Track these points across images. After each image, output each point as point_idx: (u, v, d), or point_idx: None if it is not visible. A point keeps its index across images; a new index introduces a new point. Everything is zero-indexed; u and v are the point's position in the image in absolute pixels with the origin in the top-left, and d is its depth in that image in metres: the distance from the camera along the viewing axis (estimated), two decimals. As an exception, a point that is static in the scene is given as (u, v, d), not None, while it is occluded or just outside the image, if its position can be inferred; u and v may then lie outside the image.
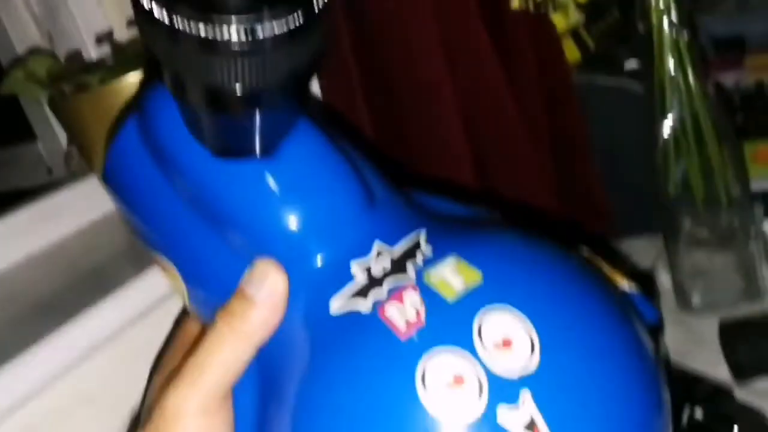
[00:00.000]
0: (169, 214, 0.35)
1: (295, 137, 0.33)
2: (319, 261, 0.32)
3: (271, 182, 0.32)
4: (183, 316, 0.39)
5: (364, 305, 0.30)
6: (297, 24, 0.24)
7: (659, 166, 0.68)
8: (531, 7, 0.67)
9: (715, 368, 0.59)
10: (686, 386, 0.51)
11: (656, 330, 0.39)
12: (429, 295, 0.30)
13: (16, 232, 0.69)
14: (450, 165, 0.68)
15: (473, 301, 0.29)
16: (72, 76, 0.66)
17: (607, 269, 0.39)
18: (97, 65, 0.72)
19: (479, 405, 0.27)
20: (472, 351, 0.28)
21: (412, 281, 0.30)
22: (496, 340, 0.28)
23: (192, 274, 0.35)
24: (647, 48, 0.66)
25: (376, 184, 0.35)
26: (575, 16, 0.68)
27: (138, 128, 0.35)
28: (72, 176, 0.82)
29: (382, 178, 0.37)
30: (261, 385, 0.32)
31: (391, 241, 0.33)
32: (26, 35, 0.87)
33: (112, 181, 0.37)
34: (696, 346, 0.63)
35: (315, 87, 0.61)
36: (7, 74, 0.71)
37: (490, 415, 0.27)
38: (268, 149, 0.32)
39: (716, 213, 0.69)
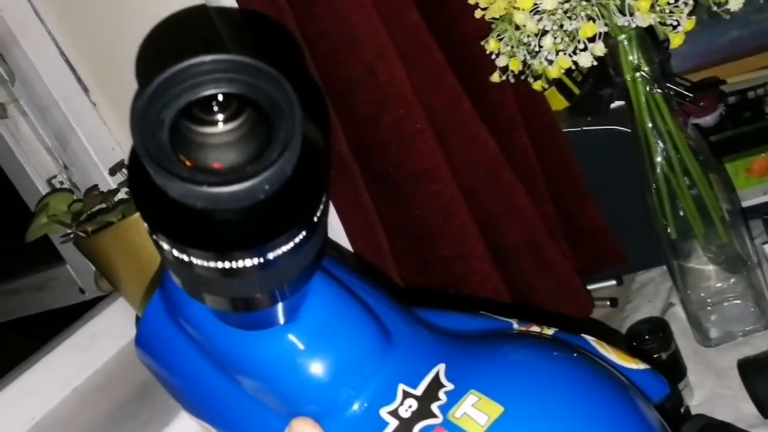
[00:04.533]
0: (203, 380, 0.38)
1: (312, 294, 0.36)
2: (350, 410, 0.35)
3: (296, 342, 0.35)
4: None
5: (400, 451, 0.33)
6: (301, 239, 0.27)
7: (656, 207, 0.71)
8: (511, 78, 0.70)
9: (742, 405, 0.61)
10: (713, 436, 0.53)
11: (669, 400, 0.42)
12: None
13: (59, 366, 0.73)
14: (457, 234, 0.70)
15: None
16: (93, 216, 0.70)
17: (614, 353, 0.42)
18: (116, 197, 0.75)
19: None
20: None
21: (439, 422, 0.33)
22: None
23: None
24: (627, 95, 0.69)
25: (392, 319, 0.38)
26: (555, 73, 0.71)
27: (163, 302, 0.39)
28: (103, 296, 0.87)
29: (397, 308, 0.40)
30: None
31: (413, 380, 0.36)
32: (44, 169, 0.91)
33: (145, 351, 0.40)
34: (721, 385, 0.65)
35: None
36: (34, 217, 0.75)
37: None
38: (290, 318, 0.35)
39: (717, 243, 0.72)
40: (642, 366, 0.43)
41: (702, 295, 0.72)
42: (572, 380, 0.36)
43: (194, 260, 0.26)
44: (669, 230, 0.70)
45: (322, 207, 0.27)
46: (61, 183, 0.90)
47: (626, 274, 0.89)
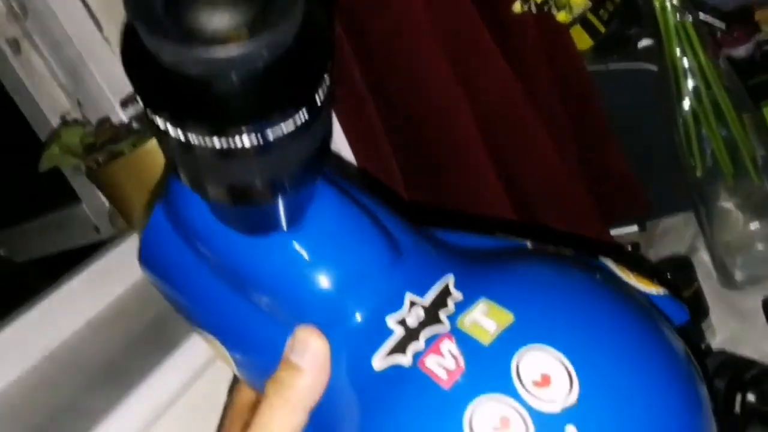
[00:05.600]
0: (207, 292, 0.37)
1: (316, 202, 0.35)
2: (356, 320, 0.34)
3: (300, 251, 0.34)
4: (235, 383, 0.41)
5: (404, 359, 0.32)
6: (303, 120, 0.25)
7: (683, 145, 0.69)
8: (533, 9, 0.67)
9: (765, 345, 0.59)
10: (736, 372, 0.51)
11: (688, 328, 0.40)
12: (465, 341, 0.31)
13: (73, 299, 0.73)
14: (475, 178, 0.69)
15: (508, 342, 0.31)
16: (104, 146, 0.69)
17: (633, 277, 0.40)
18: (128, 129, 0.75)
19: None
20: (513, 391, 0.29)
21: (447, 329, 0.32)
22: (535, 378, 0.30)
23: (236, 346, 0.37)
24: (656, 28, 0.66)
25: (400, 233, 0.37)
26: (579, 7, 0.68)
27: (166, 213, 0.38)
28: (119, 233, 0.86)
29: (405, 223, 0.38)
30: None
31: (421, 289, 0.34)
32: (57, 104, 0.91)
33: (148, 266, 0.40)
34: (744, 326, 0.63)
35: (336, 128, 0.63)
36: (45, 147, 0.74)
37: (538, 453, 0.29)
38: (293, 222, 0.34)
39: (746, 184, 0.69)
40: (661, 290, 0.41)
41: (728, 238, 0.70)
42: (589, 294, 0.34)
43: (191, 138, 0.24)
44: (696, 169, 0.68)
45: (325, 90, 0.26)
46: (75, 121, 0.89)
47: (650, 220, 0.87)
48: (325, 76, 0.26)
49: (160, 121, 0.25)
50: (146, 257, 0.40)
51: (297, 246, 0.34)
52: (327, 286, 0.34)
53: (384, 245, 0.35)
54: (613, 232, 0.85)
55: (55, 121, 0.89)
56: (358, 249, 0.35)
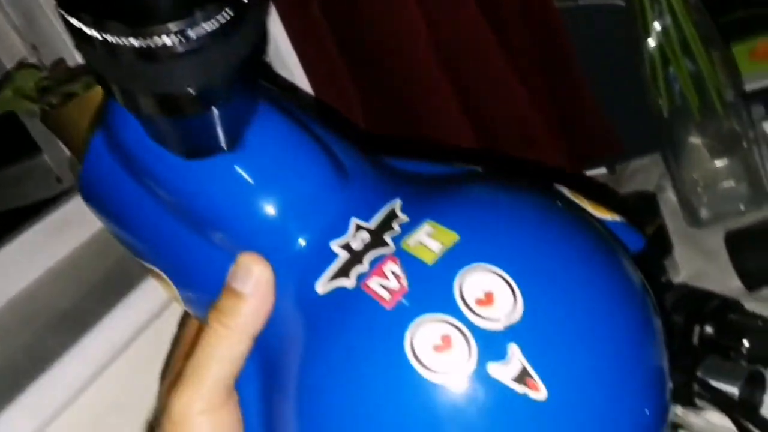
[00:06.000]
0: (149, 222, 0.36)
1: (259, 125, 0.33)
2: (300, 245, 0.33)
3: (242, 174, 0.33)
4: (186, 317, 0.40)
5: (348, 282, 0.31)
6: (228, 18, 0.24)
7: (649, 80, 0.68)
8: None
9: (729, 281, 0.59)
10: (694, 303, 0.51)
11: (645, 256, 0.40)
12: (409, 261, 0.30)
13: (32, 248, 0.71)
14: (436, 108, 0.67)
15: (452, 262, 0.30)
16: (57, 87, 0.67)
17: (588, 204, 0.40)
18: (83, 70, 0.72)
19: (470, 363, 0.28)
20: (455, 310, 0.29)
21: (391, 251, 0.31)
22: (478, 295, 0.29)
23: (181, 278, 0.36)
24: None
25: (348, 158, 0.36)
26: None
27: (105, 143, 0.36)
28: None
29: (354, 149, 0.37)
30: (263, 376, 0.33)
31: (367, 215, 0.33)
32: (12, 48, 0.88)
33: (90, 198, 0.38)
34: (708, 262, 0.63)
35: (291, 54, 0.61)
36: (-2, 92, 0.72)
37: (481, 371, 0.28)
38: (233, 143, 0.32)
39: (713, 121, 0.69)
40: (617, 217, 0.40)
41: (694, 176, 0.69)
42: (537, 214, 0.34)
43: (110, 39, 0.23)
44: (663, 107, 0.67)
45: None
46: (31, 65, 0.86)
47: (619, 162, 0.86)
48: None
49: (78, 23, 0.23)
50: (87, 188, 0.39)
51: (238, 169, 0.33)
52: (270, 210, 0.33)
53: (330, 169, 0.34)
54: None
55: (9, 65, 0.86)
56: (302, 172, 0.34)
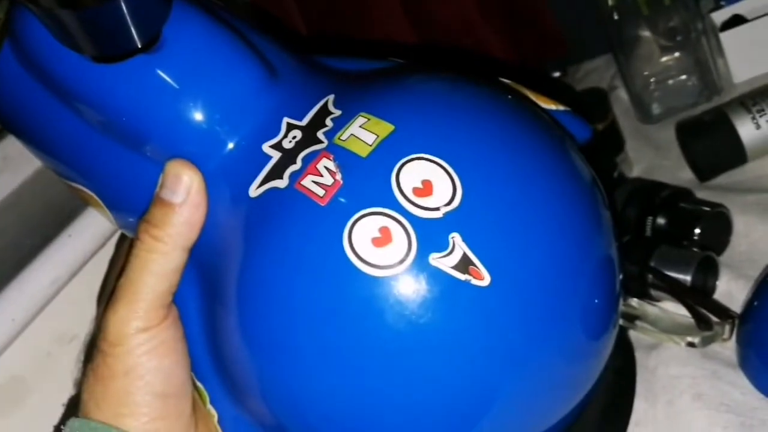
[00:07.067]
0: (69, 138, 0.33)
1: (178, 24, 0.31)
2: (230, 149, 0.31)
3: (162, 76, 0.31)
4: (123, 239, 0.38)
5: (281, 182, 0.29)
6: None
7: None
8: None
9: (682, 173, 0.59)
10: (646, 195, 0.51)
11: (595, 150, 0.39)
12: (343, 156, 0.29)
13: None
14: (381, 12, 0.64)
15: (388, 153, 0.29)
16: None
17: (532, 95, 0.38)
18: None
19: (410, 254, 0.27)
20: (393, 201, 0.28)
21: (324, 147, 0.30)
22: (415, 185, 0.28)
23: (110, 196, 0.34)
24: None
25: (276, 57, 0.34)
26: None
27: (15, 56, 0.34)
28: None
29: (283, 49, 0.35)
30: (202, 288, 0.31)
31: (299, 113, 0.32)
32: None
33: (2, 117, 0.36)
34: (660, 156, 0.63)
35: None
36: None
37: (422, 261, 0.27)
38: (148, 41, 0.30)
39: (662, 14, 0.67)
40: (562, 107, 0.39)
41: (645, 72, 0.68)
42: (476, 103, 0.32)
43: None
44: (610, 1, 0.65)
45: None
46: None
47: (571, 65, 0.85)
48: None
49: None
50: None
51: (158, 71, 0.31)
52: (196, 113, 0.31)
53: (257, 67, 0.32)
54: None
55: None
56: (227, 71, 0.32)
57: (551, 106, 0.39)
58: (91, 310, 0.50)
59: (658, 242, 0.48)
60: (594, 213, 0.33)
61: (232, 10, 0.35)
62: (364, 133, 0.29)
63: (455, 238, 0.27)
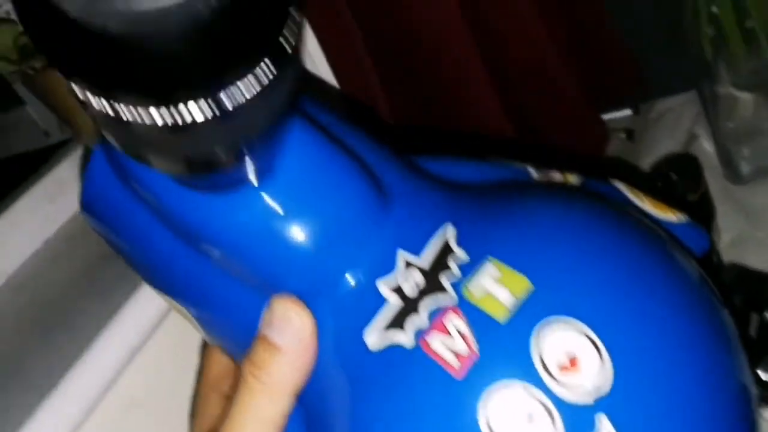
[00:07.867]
0: (163, 254, 0.31)
1: (289, 144, 0.28)
2: (342, 285, 0.29)
3: (271, 204, 0.28)
4: (206, 345, 0.36)
5: (404, 338, 0.27)
6: (269, 77, 0.19)
7: (688, 16, 0.61)
8: None
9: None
10: (751, 289, 0.47)
11: (709, 256, 0.36)
12: (475, 316, 0.26)
13: (24, 220, 0.66)
14: (455, 55, 0.61)
15: (526, 317, 0.26)
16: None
17: (649, 203, 0.36)
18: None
19: None
20: (538, 381, 0.25)
21: (452, 301, 0.27)
22: (561, 361, 0.25)
23: (203, 315, 0.32)
24: None
25: (386, 170, 0.31)
26: None
27: (107, 157, 0.31)
28: (69, 139, 0.79)
29: (391, 157, 0.32)
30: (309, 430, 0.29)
31: (416, 245, 0.29)
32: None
33: (92, 216, 0.34)
34: (752, 226, 0.59)
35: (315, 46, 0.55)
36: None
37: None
38: (261, 175, 0.27)
39: (758, 62, 0.63)
40: (681, 217, 0.36)
41: (735, 125, 0.64)
42: (611, 242, 0.29)
43: (123, 112, 0.18)
44: (702, 43, 0.61)
45: (291, 30, 0.19)
46: (8, 13, 0.79)
47: (643, 102, 0.81)
48: (292, 10, 0.19)
49: (78, 90, 0.18)
50: (88, 206, 0.34)
51: (267, 198, 0.28)
52: (304, 244, 0.28)
53: (369, 190, 0.29)
54: (606, 116, 0.79)
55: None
56: (339, 198, 0.29)
57: (668, 215, 0.36)
58: (161, 375, 0.48)
59: (765, 345, 0.44)
60: (734, 361, 0.30)
61: (332, 105, 0.33)
62: (497, 289, 0.26)
63: (603, 421, 0.25)
